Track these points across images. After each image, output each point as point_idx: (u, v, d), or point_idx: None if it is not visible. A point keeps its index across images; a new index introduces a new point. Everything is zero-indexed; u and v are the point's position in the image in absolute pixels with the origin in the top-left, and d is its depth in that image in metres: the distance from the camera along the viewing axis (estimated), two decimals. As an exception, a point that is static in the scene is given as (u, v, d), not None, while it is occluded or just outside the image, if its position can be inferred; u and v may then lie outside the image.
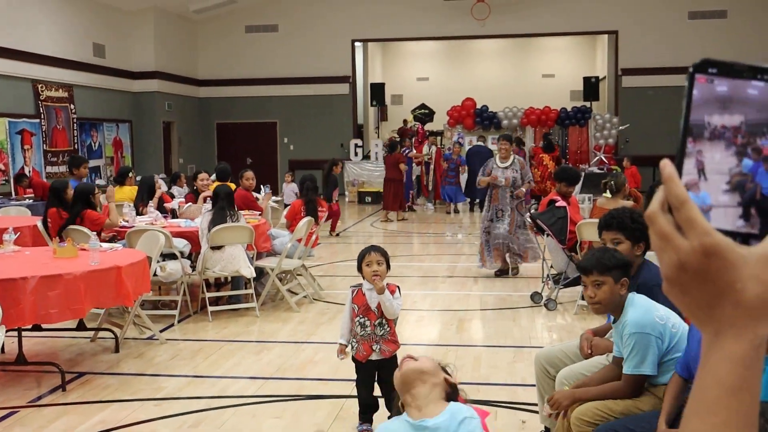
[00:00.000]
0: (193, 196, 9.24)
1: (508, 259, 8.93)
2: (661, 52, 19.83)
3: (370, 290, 4.25)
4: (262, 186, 10.01)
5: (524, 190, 8.91)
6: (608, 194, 7.30)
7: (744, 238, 0.72)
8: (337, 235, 13.05)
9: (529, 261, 8.87)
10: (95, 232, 6.43)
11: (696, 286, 0.73)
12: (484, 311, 7.48)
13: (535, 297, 7.68)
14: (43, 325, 5.99)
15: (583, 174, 16.12)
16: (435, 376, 2.53)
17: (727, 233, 0.72)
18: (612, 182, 7.31)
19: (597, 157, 18.77)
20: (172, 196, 9.70)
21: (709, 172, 0.73)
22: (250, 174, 9.30)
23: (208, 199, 8.53)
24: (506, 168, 8.75)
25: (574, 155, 19.66)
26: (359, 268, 4.30)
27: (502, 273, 9.00)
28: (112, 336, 6.19)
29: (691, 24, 20.11)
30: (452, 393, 2.57)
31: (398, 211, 15.54)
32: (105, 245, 6.27)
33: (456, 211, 16.79)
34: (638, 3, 20.26)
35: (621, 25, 20.52)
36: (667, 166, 0.72)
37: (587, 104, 20.01)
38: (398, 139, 17.18)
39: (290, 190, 14.02)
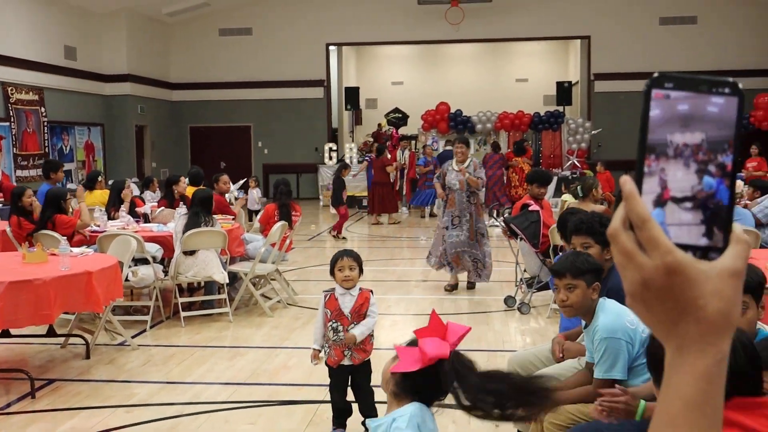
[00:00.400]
0: (166, 201, 9.17)
1: (468, 268, 8.30)
2: (633, 57, 20.04)
3: (342, 295, 4.25)
4: (235, 185, 9.95)
5: (471, 177, 8.05)
6: (566, 197, 7.32)
7: (704, 252, 0.73)
8: (342, 237, 13.16)
9: (483, 279, 8.32)
10: (66, 237, 6.35)
11: (659, 303, 0.73)
12: (457, 315, 7.49)
13: (509, 301, 7.71)
14: (12, 331, 5.91)
15: (556, 178, 16.27)
16: (387, 380, 2.48)
17: (686, 247, 0.73)
18: (578, 186, 7.35)
19: (570, 161, 18.92)
20: (144, 201, 9.63)
21: (672, 190, 0.73)
22: (225, 178, 9.36)
23: (182, 203, 8.49)
24: (460, 171, 8.17)
25: (547, 159, 19.81)
26: (332, 273, 4.31)
27: (471, 285, 8.47)
28: (83, 342, 6.12)
29: (662, 29, 20.35)
30: (400, 384, 2.42)
31: (375, 215, 15.60)
32: (75, 250, 6.21)
33: (432, 215, 16.83)
34: (610, 9, 20.47)
35: (593, 31, 20.71)
36: (627, 183, 0.73)
37: (560, 109, 20.16)
38: (374, 143, 17.20)
39: (253, 195, 13.91)
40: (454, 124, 19.66)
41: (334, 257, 4.33)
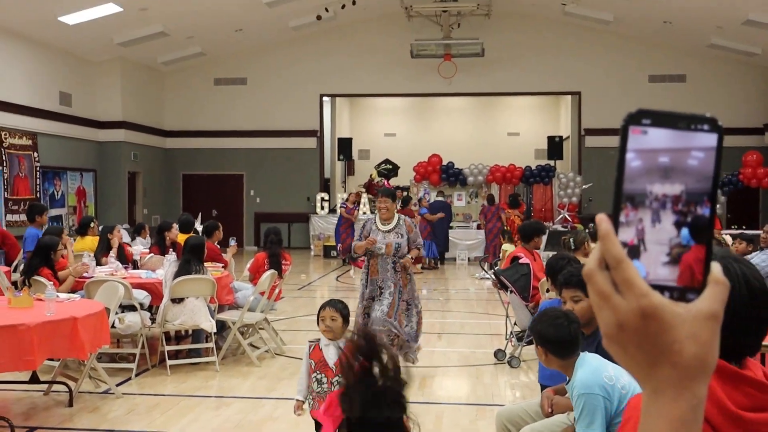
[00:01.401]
0: (158, 247, 9.14)
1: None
2: (623, 113, 19.48)
3: (327, 346, 4.21)
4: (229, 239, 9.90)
5: (411, 258, 6.79)
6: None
7: (681, 293, 0.71)
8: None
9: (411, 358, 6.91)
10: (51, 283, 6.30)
11: (635, 346, 0.72)
12: (446, 368, 7.43)
13: (499, 354, 7.65)
14: (-5, 378, 5.82)
15: (547, 231, 16.29)
16: None
17: (663, 288, 0.71)
18: (571, 239, 7.35)
19: (561, 215, 19.00)
20: (131, 246, 9.60)
21: (649, 242, 0.71)
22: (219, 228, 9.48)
23: (172, 250, 8.45)
24: (388, 232, 6.75)
25: (538, 213, 19.89)
26: (318, 323, 4.29)
27: None
28: (66, 389, 6.02)
29: (651, 87, 20.65)
30: None
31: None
32: (62, 295, 6.15)
33: (430, 266, 16.75)
34: (600, 66, 20.79)
35: (584, 87, 21.00)
36: (603, 222, 0.71)
37: (551, 163, 20.31)
38: (370, 193, 17.23)
39: None
40: (446, 176, 19.78)
41: (320, 307, 4.32)
